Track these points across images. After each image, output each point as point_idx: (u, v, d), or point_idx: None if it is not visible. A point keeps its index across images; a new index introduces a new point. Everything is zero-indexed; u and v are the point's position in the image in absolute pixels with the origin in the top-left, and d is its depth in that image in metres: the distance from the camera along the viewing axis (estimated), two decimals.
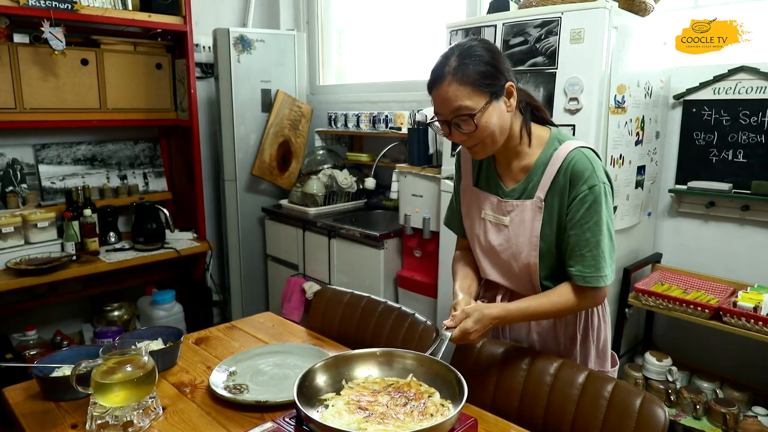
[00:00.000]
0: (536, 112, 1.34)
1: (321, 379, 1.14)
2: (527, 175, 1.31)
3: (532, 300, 1.28)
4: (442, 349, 1.19)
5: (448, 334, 1.22)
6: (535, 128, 1.32)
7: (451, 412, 1.02)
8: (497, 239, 1.35)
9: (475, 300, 1.33)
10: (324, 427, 0.95)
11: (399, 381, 1.16)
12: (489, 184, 1.39)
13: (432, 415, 1.03)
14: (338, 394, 1.12)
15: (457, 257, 1.52)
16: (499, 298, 1.42)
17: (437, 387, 1.13)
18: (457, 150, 1.51)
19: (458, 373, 1.08)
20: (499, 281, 1.40)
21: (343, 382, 1.16)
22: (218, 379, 1.32)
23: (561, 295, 1.27)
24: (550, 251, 1.29)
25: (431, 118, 1.30)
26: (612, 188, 1.27)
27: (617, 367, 1.45)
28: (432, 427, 0.95)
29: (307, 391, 1.09)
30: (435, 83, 1.22)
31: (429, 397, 1.10)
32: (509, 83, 1.23)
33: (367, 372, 1.18)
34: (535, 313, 1.28)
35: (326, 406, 1.08)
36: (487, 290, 1.46)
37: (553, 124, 1.37)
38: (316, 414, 1.04)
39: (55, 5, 2.54)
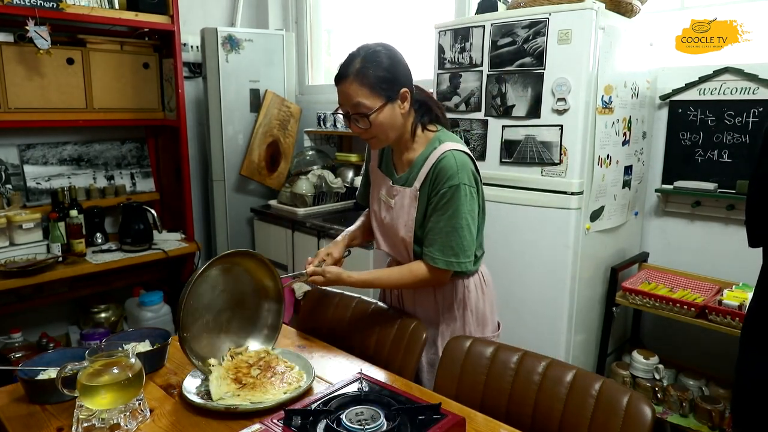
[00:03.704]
0: (431, 112, 1.53)
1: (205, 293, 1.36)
2: (410, 167, 1.51)
3: (377, 273, 1.54)
4: (299, 281, 1.53)
5: (306, 273, 1.49)
6: (426, 127, 1.51)
7: (305, 380, 1.30)
8: (386, 217, 1.57)
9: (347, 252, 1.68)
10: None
11: (270, 353, 1.42)
12: (387, 169, 1.59)
13: (290, 383, 1.29)
14: (221, 363, 1.35)
15: (365, 214, 1.77)
16: (388, 261, 1.68)
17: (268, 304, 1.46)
18: None
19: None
20: (385, 250, 1.64)
21: (228, 350, 1.41)
22: (191, 385, 1.29)
23: (400, 272, 1.50)
24: (421, 234, 1.49)
25: (336, 108, 1.48)
26: (478, 191, 1.46)
27: (498, 332, 1.64)
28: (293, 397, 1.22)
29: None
30: (339, 79, 1.41)
31: (291, 370, 1.35)
32: (404, 89, 1.42)
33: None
34: (377, 285, 1.55)
35: (211, 371, 1.30)
36: (379, 257, 1.70)
37: (442, 124, 1.54)
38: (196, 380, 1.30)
39: (41, 4, 2.51)
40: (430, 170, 1.44)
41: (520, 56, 2.03)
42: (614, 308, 2.18)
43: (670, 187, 2.29)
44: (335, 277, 1.48)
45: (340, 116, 3.16)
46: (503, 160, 2.14)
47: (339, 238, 1.70)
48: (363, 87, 1.37)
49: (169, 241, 3.08)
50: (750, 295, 1.88)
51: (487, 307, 1.60)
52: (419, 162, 1.48)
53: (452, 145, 1.45)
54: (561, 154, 1.98)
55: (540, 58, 1.98)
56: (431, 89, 2.32)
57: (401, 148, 1.53)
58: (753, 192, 1.29)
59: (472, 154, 1.48)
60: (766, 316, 1.26)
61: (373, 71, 1.37)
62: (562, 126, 1.96)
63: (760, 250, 1.32)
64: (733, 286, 2.01)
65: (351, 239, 1.71)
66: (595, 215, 2.07)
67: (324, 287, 1.70)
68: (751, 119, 2.09)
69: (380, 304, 1.70)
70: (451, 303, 1.56)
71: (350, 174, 3.30)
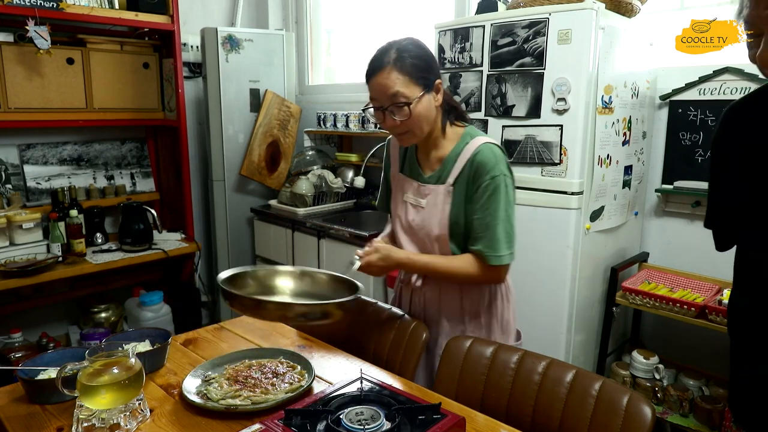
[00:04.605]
0: (456, 110, 1.51)
1: (244, 281, 1.35)
2: (442, 163, 1.48)
3: (436, 258, 1.46)
4: (351, 270, 1.45)
5: (358, 262, 1.44)
6: (453, 125, 1.50)
7: (306, 380, 1.28)
8: (415, 219, 1.52)
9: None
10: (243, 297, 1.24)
11: (272, 360, 1.39)
12: (411, 170, 1.55)
13: (292, 383, 1.27)
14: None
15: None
16: (413, 276, 1.56)
17: (338, 293, 1.40)
18: (387, 139, 1.67)
19: (357, 282, 1.36)
20: None
21: (226, 365, 1.37)
22: (191, 385, 1.29)
23: (462, 261, 1.43)
24: (457, 231, 1.46)
25: (366, 105, 1.43)
26: (513, 181, 1.44)
27: (521, 341, 1.62)
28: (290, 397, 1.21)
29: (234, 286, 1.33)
30: (375, 71, 1.36)
31: (293, 370, 1.34)
32: (438, 80, 1.40)
33: (285, 283, 1.43)
34: (435, 270, 1.46)
35: (209, 383, 1.28)
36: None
37: (467, 122, 1.53)
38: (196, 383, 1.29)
39: (41, 3, 2.52)
40: (466, 165, 1.41)
41: (520, 56, 2.03)
42: (614, 308, 2.18)
43: (670, 187, 2.29)
44: (387, 252, 1.44)
45: (340, 115, 3.19)
46: None
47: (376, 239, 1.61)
48: (402, 74, 1.33)
49: (169, 241, 3.08)
50: None
51: (511, 315, 1.57)
52: (452, 158, 1.45)
53: (485, 138, 1.43)
54: (561, 154, 1.98)
55: (540, 58, 1.98)
56: None
57: (429, 146, 1.49)
58: (721, 210, 1.24)
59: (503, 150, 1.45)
60: (746, 312, 1.24)
61: (410, 59, 1.34)
62: (562, 126, 1.96)
63: None
64: None
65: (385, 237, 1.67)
66: (595, 215, 2.07)
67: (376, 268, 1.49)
68: None
69: (380, 304, 1.70)
70: (478, 310, 1.52)
71: (350, 174, 3.30)
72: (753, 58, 1.03)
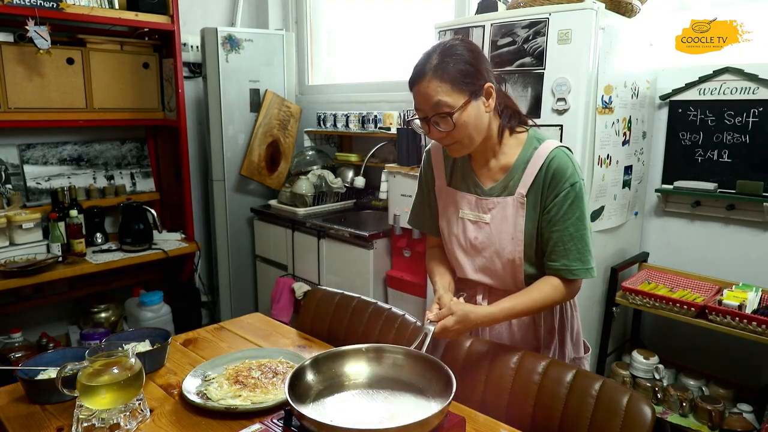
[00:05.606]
0: (518, 115, 1.38)
1: (310, 378, 1.14)
2: (507, 173, 1.34)
3: (515, 300, 1.30)
4: (427, 343, 1.19)
5: (432, 328, 1.22)
6: (515, 130, 1.36)
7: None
8: (478, 237, 1.38)
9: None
10: (319, 424, 0.96)
11: (272, 360, 1.40)
12: (466, 183, 1.41)
13: None
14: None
15: (432, 255, 1.54)
16: (479, 298, 1.43)
17: (426, 382, 1.12)
18: (426, 149, 1.53)
19: (447, 368, 1.08)
20: (479, 279, 1.41)
21: (226, 365, 1.37)
22: (191, 385, 1.29)
23: (541, 291, 1.30)
24: (531, 245, 1.33)
25: (411, 115, 1.32)
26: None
27: (589, 353, 1.50)
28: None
29: (297, 390, 1.08)
30: (416, 80, 1.25)
31: (293, 370, 1.17)
32: (488, 84, 1.26)
33: (356, 368, 1.18)
34: (519, 313, 1.31)
35: (209, 383, 1.28)
36: (464, 289, 1.44)
37: (527, 125, 1.39)
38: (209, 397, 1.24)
39: (41, 4, 2.52)
40: (540, 172, 1.29)
41: (520, 56, 2.03)
42: (614, 308, 2.18)
43: (670, 187, 2.29)
44: (464, 314, 1.22)
45: (340, 115, 3.20)
46: None
47: (440, 292, 1.36)
48: (443, 83, 1.21)
49: (169, 241, 3.08)
50: (750, 295, 1.88)
51: (581, 326, 1.48)
52: (519, 165, 1.32)
53: (555, 142, 1.32)
54: None
55: (540, 58, 1.98)
56: None
57: (487, 155, 1.36)
58: None
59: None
60: None
61: (453, 65, 1.21)
62: (562, 126, 1.96)
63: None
64: (733, 286, 2.00)
65: (448, 287, 1.42)
66: (595, 215, 2.07)
67: (448, 333, 1.25)
68: (751, 119, 2.09)
69: (380, 304, 1.69)
70: (552, 326, 1.41)
71: (350, 174, 3.30)
72: None
